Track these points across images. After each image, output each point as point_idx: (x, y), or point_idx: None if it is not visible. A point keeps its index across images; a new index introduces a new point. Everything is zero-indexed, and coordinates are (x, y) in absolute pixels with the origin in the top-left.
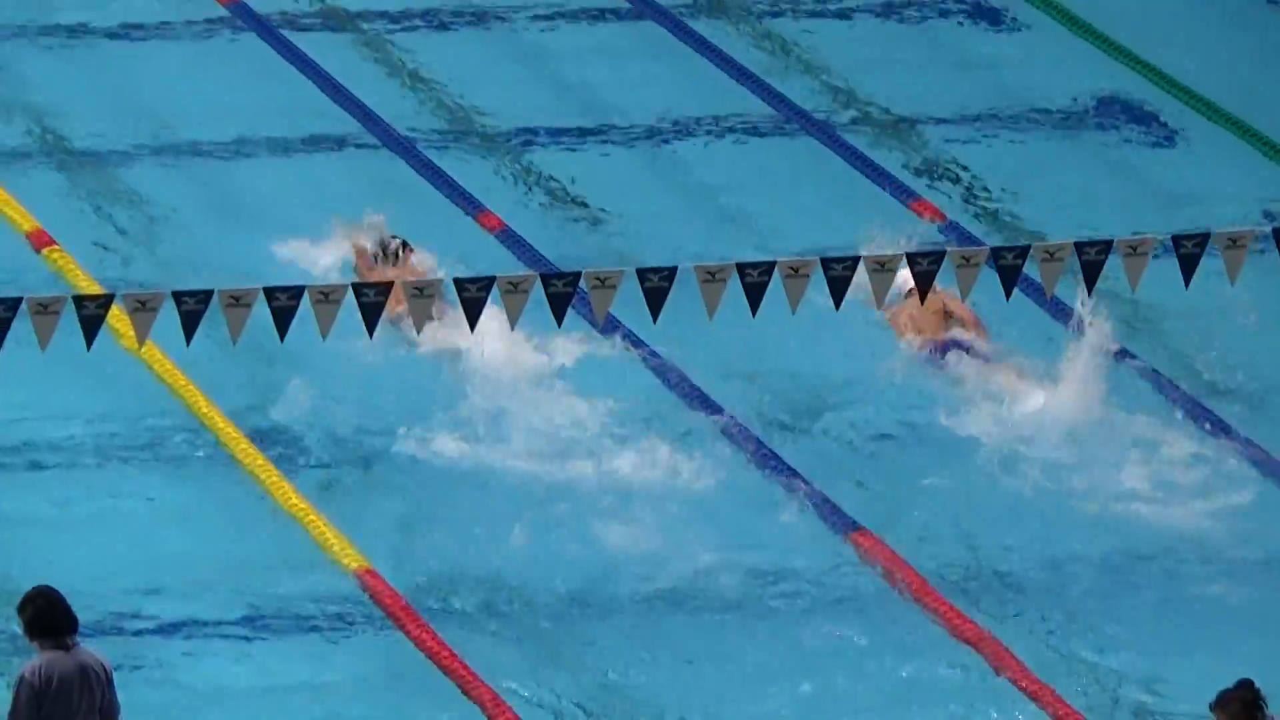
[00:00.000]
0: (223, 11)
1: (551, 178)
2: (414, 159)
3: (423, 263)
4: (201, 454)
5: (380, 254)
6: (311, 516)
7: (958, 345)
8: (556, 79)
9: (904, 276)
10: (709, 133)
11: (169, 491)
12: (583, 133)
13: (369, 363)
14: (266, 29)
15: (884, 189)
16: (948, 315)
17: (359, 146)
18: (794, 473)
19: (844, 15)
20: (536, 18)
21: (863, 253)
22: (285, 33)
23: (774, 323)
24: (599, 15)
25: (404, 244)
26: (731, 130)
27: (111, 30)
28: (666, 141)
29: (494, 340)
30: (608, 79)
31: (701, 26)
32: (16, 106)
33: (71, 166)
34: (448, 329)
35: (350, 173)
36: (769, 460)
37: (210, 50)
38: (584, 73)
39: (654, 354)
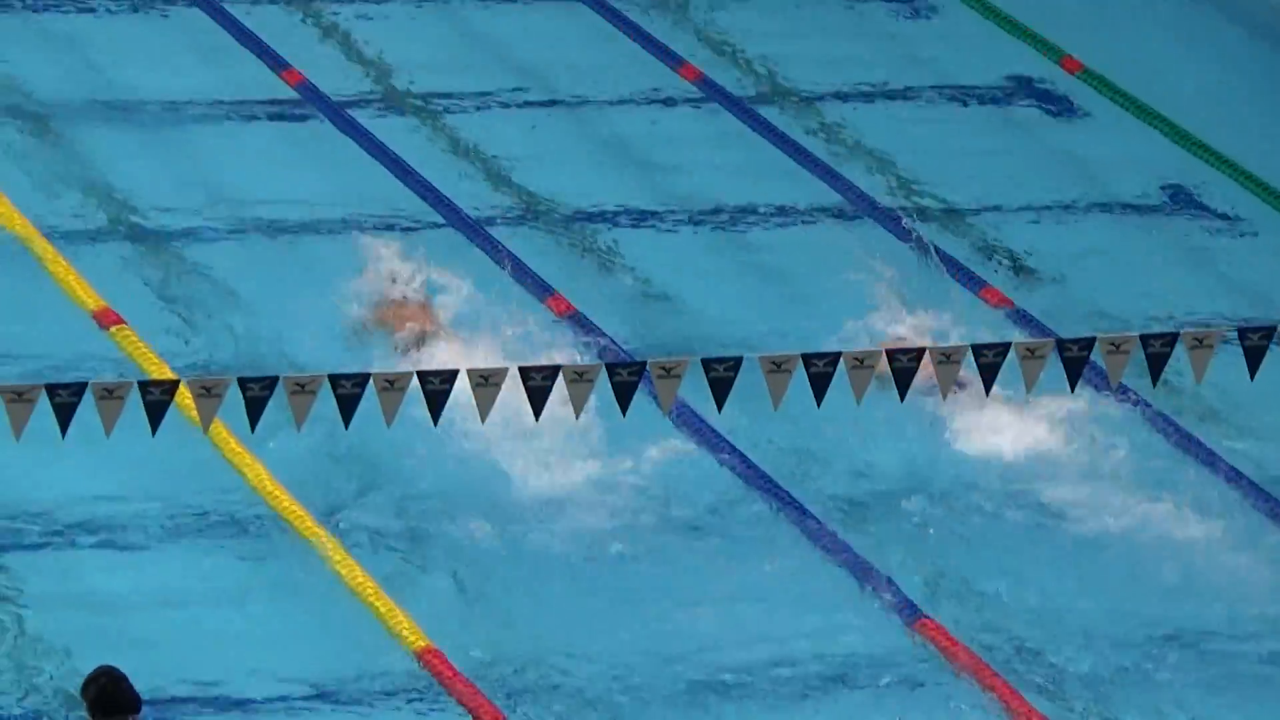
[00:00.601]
0: (290, 92)
1: (620, 260)
2: (482, 240)
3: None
4: (265, 531)
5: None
6: (375, 595)
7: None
8: (627, 162)
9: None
10: (775, 217)
11: (234, 570)
12: (651, 216)
13: (428, 439)
14: (333, 109)
15: (951, 276)
16: None
17: (427, 226)
18: (862, 561)
19: (909, 100)
20: (606, 102)
21: (928, 344)
22: (353, 113)
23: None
24: (668, 100)
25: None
26: (797, 214)
27: (180, 108)
28: (733, 225)
29: (553, 418)
30: (676, 162)
31: (770, 112)
32: (84, 184)
33: (138, 244)
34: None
35: (418, 253)
36: (830, 544)
37: (279, 129)
38: (653, 156)
39: (716, 434)
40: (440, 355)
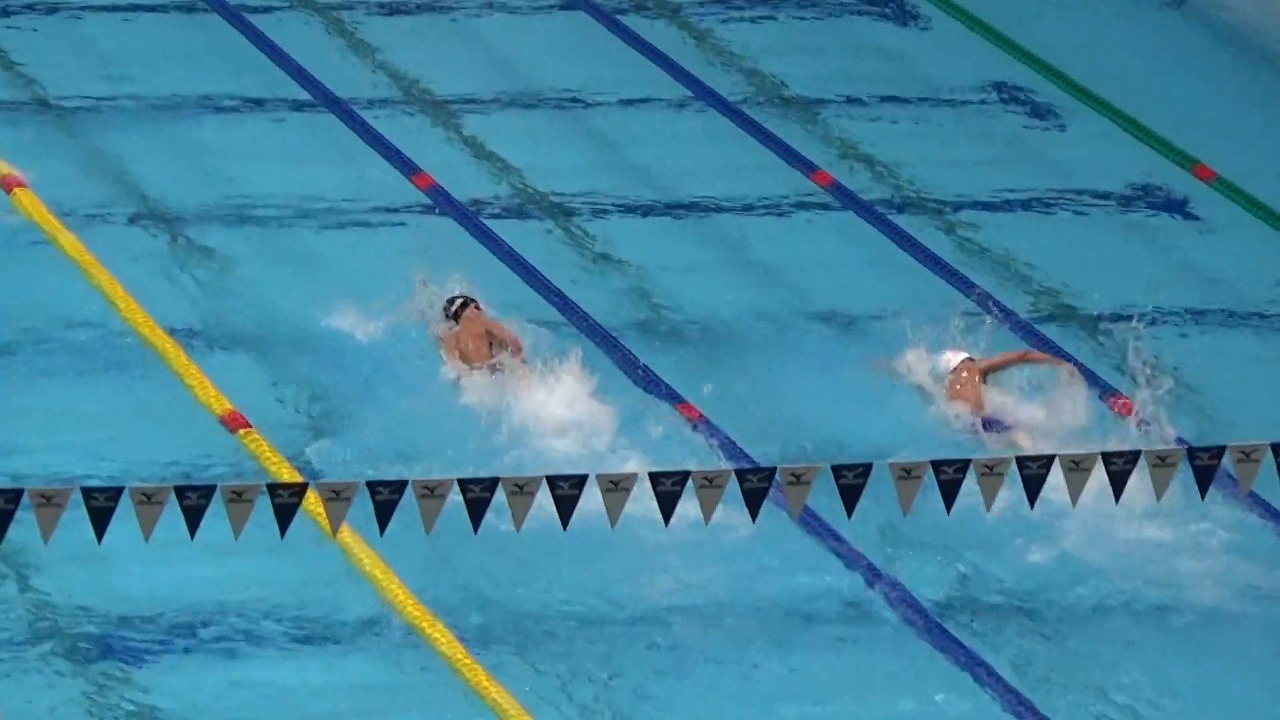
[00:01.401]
0: (418, 195)
1: (750, 367)
2: (612, 349)
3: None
4: (393, 634)
5: (447, 316)
6: (495, 694)
7: (999, 422)
8: (752, 266)
9: (946, 357)
10: (906, 323)
11: (360, 672)
12: (774, 322)
13: (546, 537)
14: (461, 212)
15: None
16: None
17: (556, 330)
18: (964, 647)
19: (1039, 206)
20: (737, 207)
21: (1058, 452)
22: (483, 219)
23: None
24: (799, 205)
25: (465, 301)
26: (929, 321)
27: (305, 210)
28: (864, 330)
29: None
30: (804, 265)
31: (899, 217)
32: (210, 287)
33: (264, 348)
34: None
35: (548, 356)
36: (932, 632)
37: (404, 231)
38: (782, 259)
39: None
40: (568, 459)
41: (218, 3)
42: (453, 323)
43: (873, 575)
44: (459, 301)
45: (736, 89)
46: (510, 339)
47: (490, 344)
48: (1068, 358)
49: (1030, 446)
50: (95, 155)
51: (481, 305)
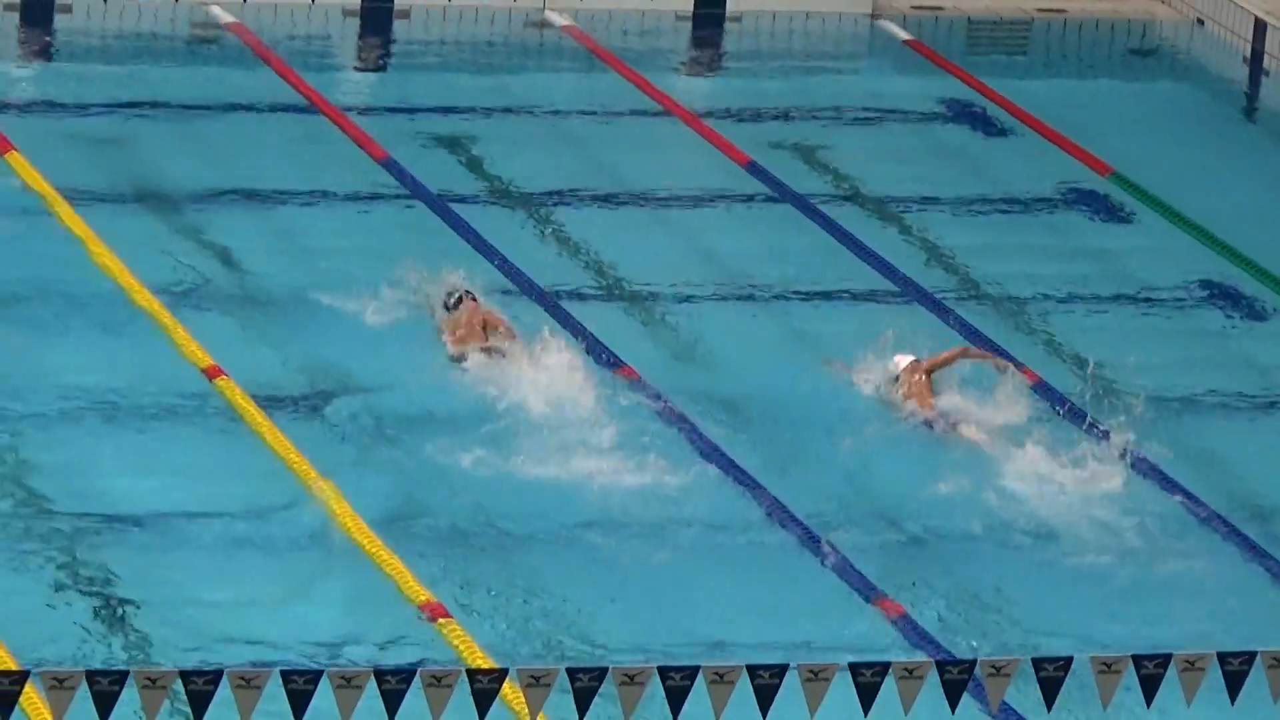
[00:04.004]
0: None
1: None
2: (809, 544)
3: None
4: None
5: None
6: None
7: (949, 416)
8: (981, 478)
9: (895, 361)
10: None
11: None
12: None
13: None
14: (687, 430)
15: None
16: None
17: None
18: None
19: (1247, 408)
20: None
21: (1259, 651)
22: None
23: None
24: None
25: (467, 293)
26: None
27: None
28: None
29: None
30: (1021, 472)
31: (1104, 416)
32: (407, 482)
33: (461, 542)
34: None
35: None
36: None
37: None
38: (995, 467)
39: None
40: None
41: (426, 195)
42: (452, 312)
43: None
44: (458, 295)
45: (942, 285)
46: (504, 324)
47: (485, 329)
48: (1005, 355)
49: (974, 437)
50: (294, 344)
51: (479, 297)
